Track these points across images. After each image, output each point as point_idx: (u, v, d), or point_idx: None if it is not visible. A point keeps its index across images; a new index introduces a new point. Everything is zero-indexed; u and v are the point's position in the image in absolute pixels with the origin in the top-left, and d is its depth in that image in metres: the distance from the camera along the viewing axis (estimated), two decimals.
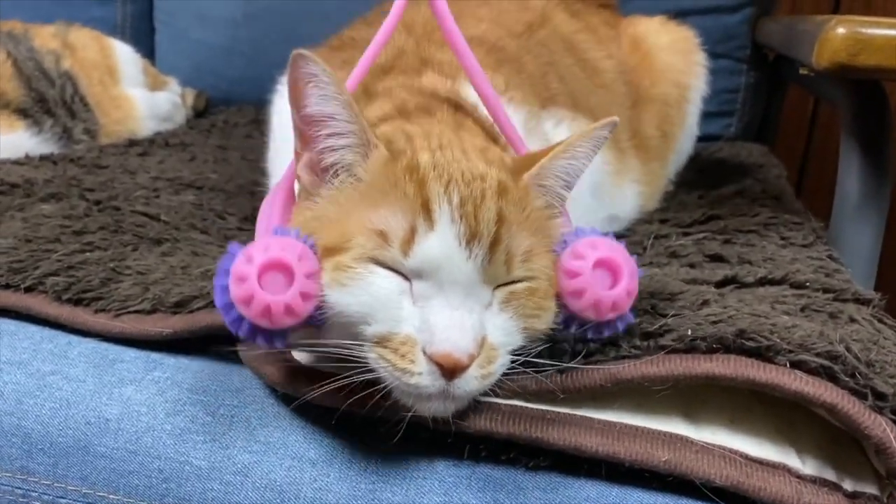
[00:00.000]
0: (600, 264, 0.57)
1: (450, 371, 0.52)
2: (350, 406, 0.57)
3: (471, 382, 0.54)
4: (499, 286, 0.56)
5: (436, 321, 0.53)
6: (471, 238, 0.54)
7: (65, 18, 1.53)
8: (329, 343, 0.55)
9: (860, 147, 0.87)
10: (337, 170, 0.58)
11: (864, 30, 0.76)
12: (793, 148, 1.77)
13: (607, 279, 0.57)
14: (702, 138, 1.21)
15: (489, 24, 0.88)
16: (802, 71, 0.92)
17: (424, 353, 0.53)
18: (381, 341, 0.54)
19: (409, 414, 0.56)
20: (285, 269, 0.53)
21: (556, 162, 0.59)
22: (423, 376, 0.53)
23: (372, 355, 0.54)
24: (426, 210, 0.54)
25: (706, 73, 1.10)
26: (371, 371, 0.55)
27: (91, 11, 1.70)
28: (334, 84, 0.56)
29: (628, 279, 0.57)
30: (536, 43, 0.91)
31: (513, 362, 0.57)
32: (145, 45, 1.74)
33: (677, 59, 1.08)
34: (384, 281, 0.54)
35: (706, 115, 1.17)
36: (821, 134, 1.78)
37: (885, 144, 0.87)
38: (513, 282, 0.56)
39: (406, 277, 0.55)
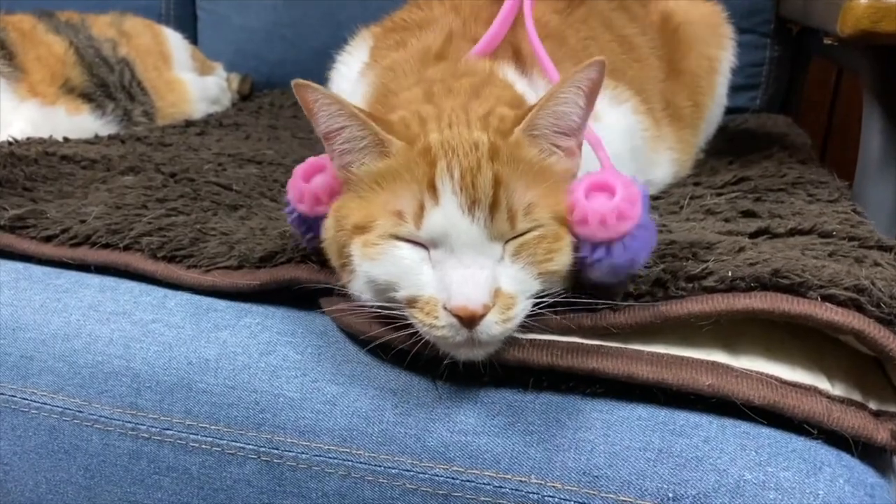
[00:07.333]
0: (593, 188, 0.62)
1: (468, 321, 0.60)
2: (412, 346, 0.65)
3: (492, 328, 0.61)
4: (509, 241, 0.63)
5: (450, 280, 0.61)
6: (472, 205, 0.61)
7: (111, 7, 1.61)
8: (379, 305, 0.65)
9: (882, 109, 0.93)
10: (359, 165, 0.66)
11: None
12: (816, 121, 1.80)
13: (605, 199, 0.62)
14: (728, 111, 1.25)
15: (533, 1, 0.94)
16: (827, 40, 0.98)
17: (445, 308, 0.61)
18: (411, 302, 0.63)
19: (447, 361, 0.64)
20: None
21: (543, 111, 0.65)
22: (446, 328, 0.61)
23: (406, 314, 0.63)
24: (431, 188, 0.62)
25: (733, 45, 1.16)
26: (412, 326, 0.63)
27: (136, 0, 1.78)
28: (336, 102, 0.64)
29: (623, 190, 0.61)
30: (576, 20, 0.97)
31: (536, 305, 0.63)
32: (188, 31, 1.80)
33: (706, 32, 1.14)
34: (404, 252, 0.63)
35: (732, 89, 1.22)
36: (843, 108, 1.81)
37: None
38: (520, 234, 0.63)
39: (424, 247, 0.63)
